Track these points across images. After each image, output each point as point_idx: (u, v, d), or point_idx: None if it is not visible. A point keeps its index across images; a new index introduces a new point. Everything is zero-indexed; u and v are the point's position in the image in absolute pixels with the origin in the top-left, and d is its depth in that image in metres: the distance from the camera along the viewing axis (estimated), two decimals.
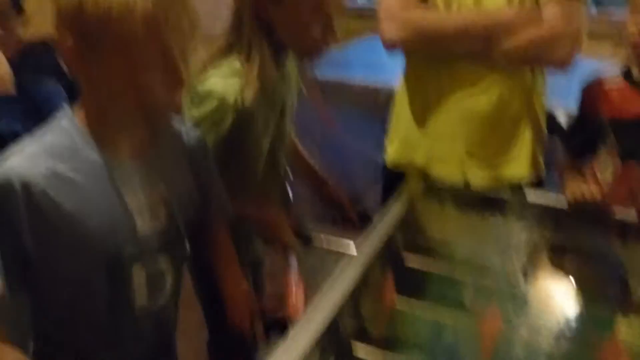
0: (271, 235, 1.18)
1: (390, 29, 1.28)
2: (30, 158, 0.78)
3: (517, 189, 1.34)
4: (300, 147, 1.46)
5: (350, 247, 1.10)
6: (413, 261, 1.20)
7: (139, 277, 0.88)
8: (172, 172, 0.93)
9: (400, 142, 1.44)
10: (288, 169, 1.36)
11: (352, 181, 3.77)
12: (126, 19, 0.71)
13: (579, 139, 1.41)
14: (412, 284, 1.15)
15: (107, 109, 0.80)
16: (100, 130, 0.82)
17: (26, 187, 0.76)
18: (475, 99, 1.32)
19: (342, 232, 1.24)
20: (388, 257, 1.16)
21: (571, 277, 1.23)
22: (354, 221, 1.38)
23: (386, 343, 1.01)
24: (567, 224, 1.27)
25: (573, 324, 1.09)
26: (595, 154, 1.36)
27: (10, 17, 1.19)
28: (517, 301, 1.12)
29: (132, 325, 0.91)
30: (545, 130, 1.43)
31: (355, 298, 0.99)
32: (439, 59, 1.33)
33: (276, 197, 1.33)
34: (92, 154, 0.81)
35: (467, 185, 1.35)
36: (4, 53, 1.17)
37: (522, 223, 1.29)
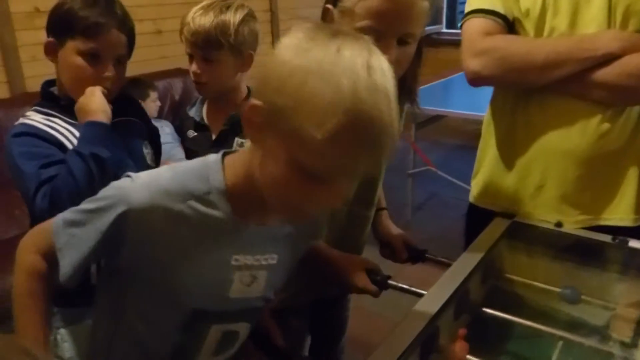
0: (347, 282, 1.13)
1: (473, 60, 1.19)
2: (159, 192, 0.77)
3: (618, 234, 1.20)
4: None
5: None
6: (494, 312, 1.10)
7: (213, 336, 0.87)
8: (290, 247, 0.91)
9: (486, 179, 1.35)
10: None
11: (440, 213, 3.65)
12: (325, 121, 0.66)
13: None
14: (492, 339, 1.05)
15: (258, 179, 0.77)
16: (242, 193, 0.79)
17: (140, 219, 0.76)
18: (569, 136, 1.20)
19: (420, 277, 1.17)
20: (464, 306, 1.07)
21: None
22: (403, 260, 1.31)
23: None
24: None
25: None
26: None
27: (123, 60, 1.28)
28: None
29: None
30: None
31: (423, 349, 0.92)
32: (528, 91, 1.23)
33: (356, 236, 1.28)
34: (221, 208, 0.79)
35: (559, 227, 1.22)
36: (111, 94, 1.24)
37: (624, 273, 1.15)
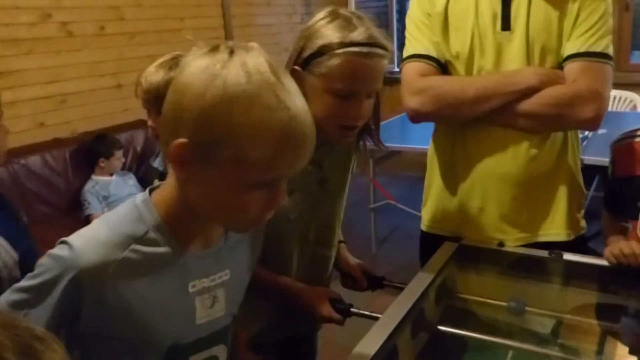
0: (313, 312, 1.19)
1: (412, 98, 1.31)
2: (102, 248, 0.76)
3: (555, 249, 1.31)
4: None
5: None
6: (448, 329, 1.18)
7: None
8: (240, 258, 0.93)
9: (433, 206, 1.45)
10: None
11: (403, 245, 3.71)
12: (263, 138, 0.71)
13: (616, 199, 1.36)
14: (448, 354, 1.13)
15: (197, 208, 0.79)
16: (180, 223, 0.80)
17: (93, 280, 0.75)
18: (503, 162, 1.31)
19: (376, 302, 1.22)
20: (420, 326, 1.15)
21: (618, 339, 1.17)
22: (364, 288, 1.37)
23: None
24: (608, 283, 1.22)
25: None
26: (634, 211, 1.31)
27: None
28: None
29: None
30: (583, 188, 1.40)
31: None
32: (464, 124, 1.34)
33: (321, 274, 1.33)
34: (163, 243, 0.79)
35: (502, 246, 1.33)
36: None
37: (561, 283, 1.26)
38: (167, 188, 0.81)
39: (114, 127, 3.40)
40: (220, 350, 0.91)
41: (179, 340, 0.83)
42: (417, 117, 1.33)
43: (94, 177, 3.07)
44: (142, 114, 3.86)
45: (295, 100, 0.73)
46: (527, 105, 1.25)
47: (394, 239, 3.88)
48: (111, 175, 3.12)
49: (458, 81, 1.31)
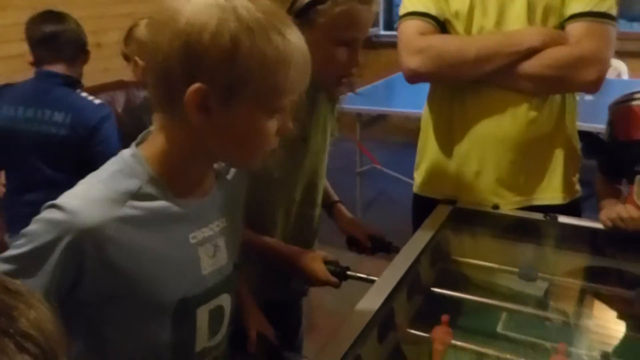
0: (308, 275, 1.18)
1: (411, 58, 1.28)
2: (99, 206, 0.73)
3: (550, 212, 1.31)
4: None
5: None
6: (442, 290, 1.18)
7: (202, 319, 0.85)
8: (232, 205, 0.91)
9: (428, 169, 1.43)
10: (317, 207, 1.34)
11: (389, 210, 3.75)
12: (279, 71, 0.71)
13: (613, 162, 1.36)
14: (441, 314, 1.13)
15: (210, 150, 0.77)
16: (174, 174, 0.78)
17: (95, 239, 0.71)
18: (502, 124, 1.30)
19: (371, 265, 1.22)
20: (415, 288, 1.14)
21: (610, 302, 1.18)
22: (368, 251, 1.36)
23: None
24: (603, 246, 1.22)
25: (617, 351, 1.04)
26: (632, 175, 1.31)
27: None
28: (555, 330, 1.08)
29: None
30: (580, 153, 1.40)
31: (380, 331, 0.98)
32: (463, 85, 1.32)
33: (305, 233, 1.32)
34: (160, 196, 0.77)
35: (496, 209, 1.32)
36: None
37: (555, 246, 1.26)
38: (156, 140, 0.78)
39: (93, 87, 3.29)
40: (226, 300, 0.90)
41: (187, 293, 0.81)
42: (415, 77, 1.30)
43: None
44: (123, 74, 3.78)
45: (292, 25, 0.75)
46: (529, 66, 1.23)
47: (378, 203, 3.89)
48: None
49: (459, 41, 1.28)
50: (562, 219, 1.27)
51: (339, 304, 2.82)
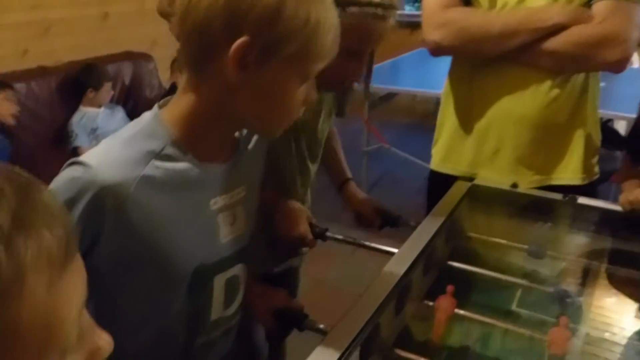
0: (288, 225, 1.14)
1: (433, 31, 1.26)
2: (121, 165, 0.72)
3: (568, 193, 1.30)
4: (337, 156, 1.45)
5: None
6: (458, 266, 1.18)
7: (218, 288, 0.84)
8: (251, 175, 0.91)
9: (445, 146, 1.42)
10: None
11: (396, 189, 3.75)
12: (317, 35, 0.71)
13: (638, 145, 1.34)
14: (457, 291, 1.12)
15: (239, 114, 0.76)
16: (196, 138, 0.77)
17: (116, 197, 0.70)
18: (523, 102, 1.28)
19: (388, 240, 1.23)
20: (432, 263, 1.14)
21: (626, 284, 1.17)
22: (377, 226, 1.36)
23: (429, 349, 1.00)
24: (620, 228, 1.21)
25: (632, 334, 1.04)
26: None
27: None
28: (566, 307, 1.08)
29: (204, 336, 0.87)
30: (600, 136, 1.38)
31: (397, 303, 0.98)
32: (484, 61, 1.30)
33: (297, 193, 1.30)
34: (181, 158, 0.76)
35: (515, 188, 1.31)
36: None
37: (573, 227, 1.25)
38: (181, 102, 0.77)
39: (99, 57, 3.27)
40: (241, 270, 0.89)
41: (204, 261, 0.80)
42: (438, 51, 1.28)
43: (82, 108, 2.96)
44: (130, 45, 3.74)
45: None
46: (553, 43, 1.21)
47: (385, 183, 3.88)
48: (99, 107, 3.02)
49: (483, 15, 1.26)
50: (581, 199, 1.26)
51: (340, 279, 2.84)
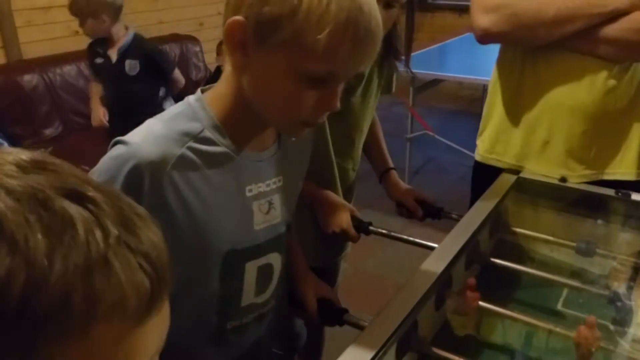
0: (330, 218, 1.16)
1: (483, 16, 1.20)
2: (160, 142, 0.73)
3: (621, 188, 1.23)
4: (380, 145, 1.44)
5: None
6: (502, 262, 1.14)
7: (250, 274, 0.85)
8: (292, 166, 0.91)
9: (492, 136, 1.37)
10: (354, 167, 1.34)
11: (438, 177, 3.70)
12: (322, 21, 0.66)
13: None
14: (500, 287, 1.09)
15: (251, 101, 0.76)
16: (235, 122, 0.78)
17: (154, 172, 0.71)
18: (577, 92, 1.22)
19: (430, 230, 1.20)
20: (474, 257, 1.11)
21: None
22: (418, 217, 1.35)
23: (469, 346, 0.97)
24: None
25: None
26: None
27: None
28: (618, 310, 1.03)
29: (236, 320, 0.88)
30: None
31: (437, 299, 0.96)
32: (536, 48, 1.24)
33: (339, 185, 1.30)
34: (220, 142, 0.77)
35: (564, 182, 1.26)
36: None
37: (626, 225, 1.19)
38: (221, 86, 0.79)
39: (148, 39, 3.31)
40: (276, 259, 0.90)
41: (236, 245, 0.81)
42: (487, 37, 1.22)
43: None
44: (177, 27, 3.78)
45: None
46: (612, 30, 1.14)
47: (428, 170, 3.83)
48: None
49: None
50: (635, 196, 1.20)
51: (379, 267, 2.83)
